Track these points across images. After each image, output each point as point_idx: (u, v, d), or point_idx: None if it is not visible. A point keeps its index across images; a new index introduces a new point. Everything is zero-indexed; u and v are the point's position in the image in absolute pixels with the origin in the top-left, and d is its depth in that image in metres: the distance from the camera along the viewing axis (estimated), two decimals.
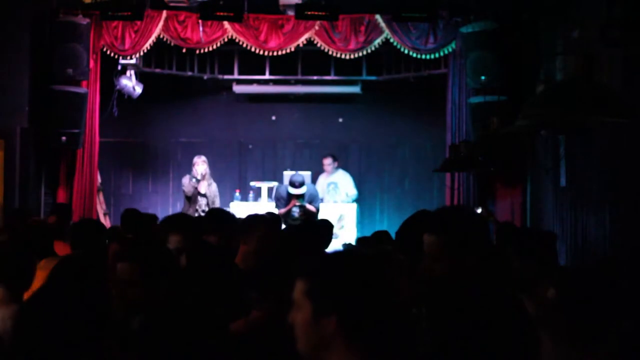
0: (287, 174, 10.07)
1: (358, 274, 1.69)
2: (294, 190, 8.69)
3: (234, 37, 9.14)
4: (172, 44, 9.25)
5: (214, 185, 9.18)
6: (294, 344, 1.71)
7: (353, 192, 10.21)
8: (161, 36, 9.05)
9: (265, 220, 4.01)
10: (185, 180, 9.13)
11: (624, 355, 1.92)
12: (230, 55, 10.34)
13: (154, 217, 5.82)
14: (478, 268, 2.38)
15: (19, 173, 8.05)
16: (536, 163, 8.11)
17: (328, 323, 1.64)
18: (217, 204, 8.94)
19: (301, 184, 8.71)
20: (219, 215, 4.71)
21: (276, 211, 8.47)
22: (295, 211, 8.67)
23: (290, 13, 8.74)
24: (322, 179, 10.31)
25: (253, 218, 4.00)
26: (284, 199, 8.85)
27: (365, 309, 1.65)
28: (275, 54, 9.33)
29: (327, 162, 10.30)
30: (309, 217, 8.51)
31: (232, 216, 4.97)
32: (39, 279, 3.72)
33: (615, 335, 1.93)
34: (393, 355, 1.65)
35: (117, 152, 10.90)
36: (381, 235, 5.33)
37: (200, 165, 9.08)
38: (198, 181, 9.03)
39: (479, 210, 7.66)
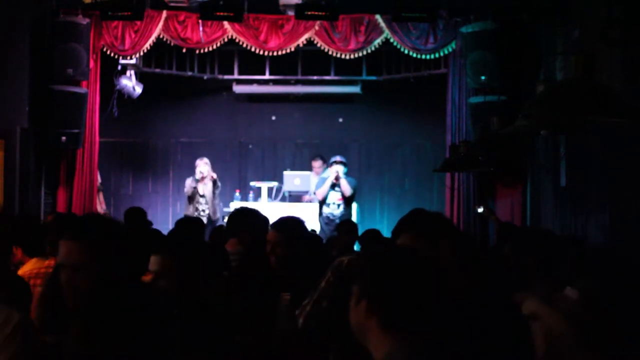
0: (287, 174, 10.07)
1: (388, 266, 1.83)
2: (337, 158, 9.07)
3: (234, 37, 9.14)
4: (172, 44, 9.25)
5: (210, 185, 9.27)
6: None
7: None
8: (161, 36, 9.05)
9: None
10: (188, 181, 9.34)
11: None
12: (230, 55, 10.34)
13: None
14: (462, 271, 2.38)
15: (19, 173, 8.04)
16: (536, 163, 8.11)
17: (361, 308, 1.81)
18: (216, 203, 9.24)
19: (343, 157, 9.20)
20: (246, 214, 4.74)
21: (315, 196, 9.15)
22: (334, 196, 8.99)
23: (290, 13, 8.74)
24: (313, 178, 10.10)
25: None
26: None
27: (391, 297, 1.78)
28: (275, 54, 9.32)
29: (317, 164, 10.05)
30: (343, 198, 8.94)
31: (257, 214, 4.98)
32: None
33: None
34: (426, 338, 1.77)
35: (117, 152, 10.91)
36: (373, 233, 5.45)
37: (202, 166, 9.27)
38: (197, 181, 9.19)
39: (480, 210, 7.65)
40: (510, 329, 2.25)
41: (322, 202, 9.05)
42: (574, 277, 2.83)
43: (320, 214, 9.06)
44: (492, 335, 2.17)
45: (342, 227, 6.37)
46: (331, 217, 8.92)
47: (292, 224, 3.87)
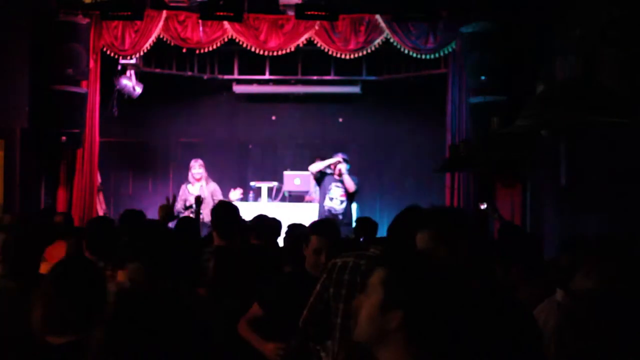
0: (287, 174, 10.07)
1: (435, 278, 1.66)
2: (339, 155, 9.04)
3: (234, 37, 9.14)
4: (172, 44, 9.24)
5: (212, 185, 9.14)
6: None
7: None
8: (161, 36, 9.05)
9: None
10: (182, 190, 9.12)
11: None
12: (230, 55, 10.34)
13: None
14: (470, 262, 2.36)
15: (19, 173, 8.04)
16: (536, 163, 8.11)
17: (393, 317, 1.61)
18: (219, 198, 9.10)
19: (345, 154, 9.17)
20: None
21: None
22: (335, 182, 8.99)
23: (290, 13, 8.75)
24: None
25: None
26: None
27: (433, 313, 1.61)
28: (275, 54, 9.33)
29: None
30: (346, 195, 8.94)
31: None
32: None
33: None
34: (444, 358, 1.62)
35: (117, 152, 10.91)
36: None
37: (197, 168, 9.10)
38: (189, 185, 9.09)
39: (484, 206, 7.64)
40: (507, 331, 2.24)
41: (322, 190, 9.00)
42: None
43: (322, 206, 9.02)
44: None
45: (359, 225, 6.32)
46: (333, 212, 8.92)
47: (335, 230, 3.76)
